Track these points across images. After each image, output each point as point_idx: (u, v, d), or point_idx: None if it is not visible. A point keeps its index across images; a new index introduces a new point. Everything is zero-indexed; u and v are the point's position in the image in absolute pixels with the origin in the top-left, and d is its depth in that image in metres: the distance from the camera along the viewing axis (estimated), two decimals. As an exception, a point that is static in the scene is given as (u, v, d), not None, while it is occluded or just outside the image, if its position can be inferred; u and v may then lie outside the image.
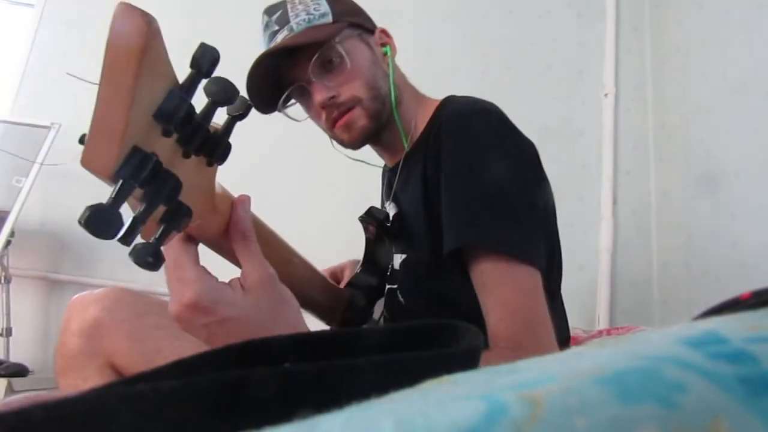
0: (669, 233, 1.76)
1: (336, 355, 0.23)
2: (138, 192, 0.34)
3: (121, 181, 0.31)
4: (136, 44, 0.29)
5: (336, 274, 0.94)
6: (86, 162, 0.31)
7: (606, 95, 2.01)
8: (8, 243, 1.70)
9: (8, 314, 1.73)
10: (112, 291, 0.84)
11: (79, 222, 0.30)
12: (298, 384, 0.19)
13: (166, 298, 0.54)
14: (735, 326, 0.15)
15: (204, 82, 0.36)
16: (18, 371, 1.60)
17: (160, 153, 0.34)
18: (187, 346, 0.76)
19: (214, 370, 0.20)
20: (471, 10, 2.13)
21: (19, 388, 1.53)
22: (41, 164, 1.79)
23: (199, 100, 0.37)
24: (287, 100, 0.84)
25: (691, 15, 1.74)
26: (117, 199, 0.31)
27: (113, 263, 1.90)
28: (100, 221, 0.30)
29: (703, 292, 1.51)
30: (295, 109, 0.87)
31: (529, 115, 1.95)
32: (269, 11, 0.82)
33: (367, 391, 0.15)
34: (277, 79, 0.82)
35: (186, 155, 0.38)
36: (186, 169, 0.38)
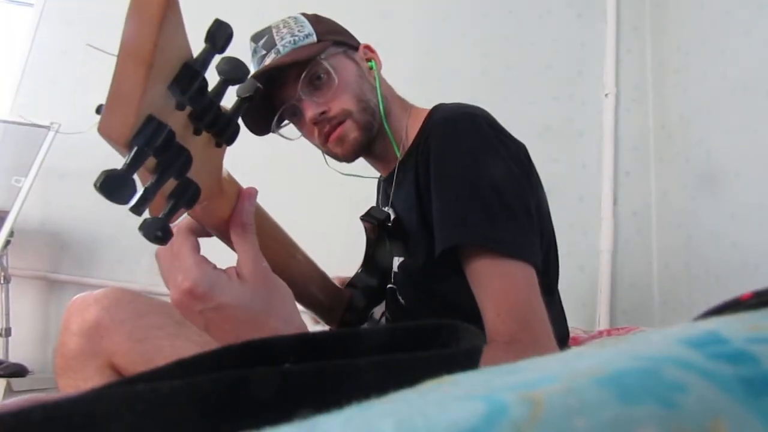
0: (669, 233, 1.76)
1: (336, 356, 0.23)
2: (150, 164, 0.34)
3: (135, 149, 0.31)
4: (156, 12, 0.30)
5: None
6: (103, 129, 0.31)
7: (606, 95, 2.01)
8: (8, 243, 1.70)
9: (8, 314, 1.73)
10: (112, 291, 0.84)
11: (95, 185, 0.30)
12: (298, 384, 0.19)
13: (166, 298, 0.54)
14: (735, 326, 0.15)
15: (216, 60, 0.36)
16: (17, 371, 1.60)
17: (173, 125, 0.34)
18: (187, 346, 0.76)
19: (215, 370, 0.20)
20: (471, 10, 2.13)
21: (19, 389, 1.52)
22: (41, 164, 1.79)
23: (210, 83, 0.37)
24: (280, 120, 0.86)
25: (692, 15, 1.74)
26: (131, 166, 0.31)
27: (113, 263, 1.90)
28: (114, 186, 0.31)
29: (703, 293, 1.51)
30: (289, 129, 0.89)
31: (529, 116, 1.97)
32: (255, 38, 0.84)
33: (367, 391, 0.15)
34: (269, 102, 0.84)
35: (197, 132, 0.38)
36: (196, 146, 0.39)
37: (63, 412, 0.16)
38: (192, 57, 0.34)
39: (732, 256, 1.39)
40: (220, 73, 0.37)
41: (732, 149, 1.45)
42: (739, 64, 1.45)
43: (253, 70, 0.83)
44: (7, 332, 1.71)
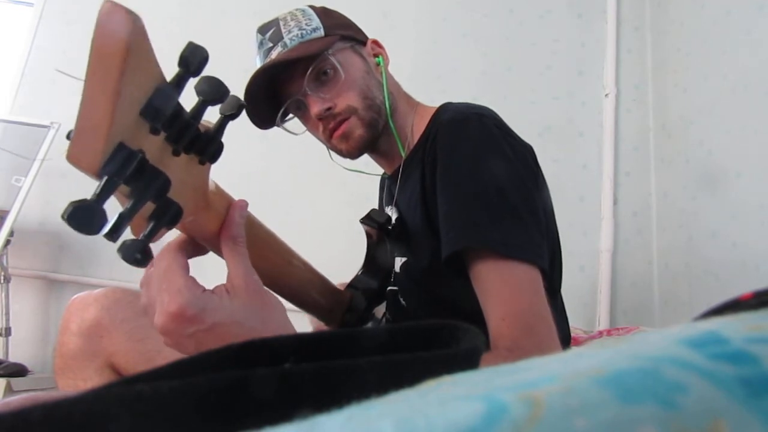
0: (669, 234, 1.76)
1: (336, 356, 0.23)
2: (125, 189, 0.34)
3: (105, 178, 0.31)
4: (121, 41, 0.29)
5: None
6: (72, 158, 0.31)
7: (606, 95, 2.01)
8: (7, 242, 1.71)
9: (7, 314, 1.73)
10: (112, 291, 0.84)
11: (62, 217, 0.30)
12: (298, 384, 0.19)
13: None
14: (736, 327, 0.15)
15: (194, 81, 0.36)
16: (17, 371, 1.60)
17: (148, 150, 0.34)
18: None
19: (214, 371, 0.20)
20: (471, 10, 2.13)
21: (18, 388, 1.53)
22: (41, 164, 1.79)
23: (191, 102, 0.37)
24: (285, 114, 0.86)
25: (692, 15, 1.74)
26: (101, 195, 0.31)
27: (113, 263, 1.90)
28: (82, 217, 0.30)
29: (703, 293, 1.51)
30: (293, 123, 0.88)
31: (529, 116, 1.97)
32: (262, 30, 0.83)
33: (367, 391, 0.15)
34: (274, 95, 0.83)
35: (176, 153, 0.38)
36: (176, 167, 0.38)
37: (63, 412, 0.16)
38: (165, 81, 0.34)
39: (732, 256, 1.39)
40: (198, 93, 0.36)
41: (732, 149, 1.45)
42: (739, 64, 1.45)
43: (259, 62, 0.83)
44: (7, 332, 1.71)
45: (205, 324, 0.45)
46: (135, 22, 0.30)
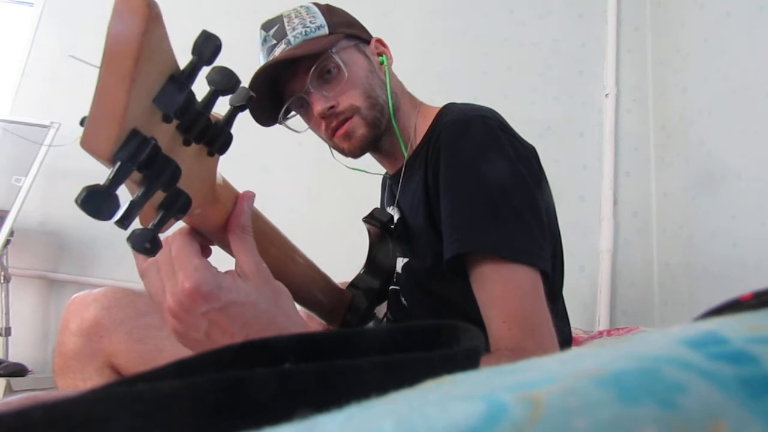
0: (670, 234, 1.76)
1: (336, 356, 0.23)
2: (137, 176, 0.34)
3: (118, 164, 0.31)
4: (137, 27, 0.29)
5: None
6: (85, 143, 0.31)
7: (607, 96, 2.01)
8: (7, 242, 1.71)
9: (7, 314, 1.73)
10: (112, 291, 0.84)
11: (76, 201, 0.30)
12: (298, 384, 0.19)
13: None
14: (735, 327, 0.15)
15: (205, 71, 0.36)
16: (17, 371, 1.60)
17: (160, 138, 0.34)
18: (187, 346, 0.76)
19: (214, 371, 0.20)
20: (471, 10, 2.13)
21: (18, 388, 1.53)
22: (41, 164, 1.79)
23: (201, 92, 0.37)
24: (287, 112, 0.86)
25: (692, 15, 1.74)
26: (114, 181, 0.31)
27: (113, 263, 1.90)
28: (95, 202, 0.30)
29: (703, 293, 1.51)
30: (296, 120, 0.88)
31: (529, 116, 1.97)
32: (266, 26, 0.83)
33: (367, 391, 0.15)
34: (277, 92, 0.83)
35: (186, 143, 0.38)
36: (186, 157, 0.38)
37: (63, 412, 0.16)
38: (178, 69, 0.34)
39: (732, 256, 1.39)
40: (210, 83, 0.37)
41: (732, 149, 1.45)
42: (739, 64, 1.45)
43: (262, 59, 0.83)
44: (7, 332, 1.71)
45: (220, 302, 0.45)
46: (151, 8, 0.30)
